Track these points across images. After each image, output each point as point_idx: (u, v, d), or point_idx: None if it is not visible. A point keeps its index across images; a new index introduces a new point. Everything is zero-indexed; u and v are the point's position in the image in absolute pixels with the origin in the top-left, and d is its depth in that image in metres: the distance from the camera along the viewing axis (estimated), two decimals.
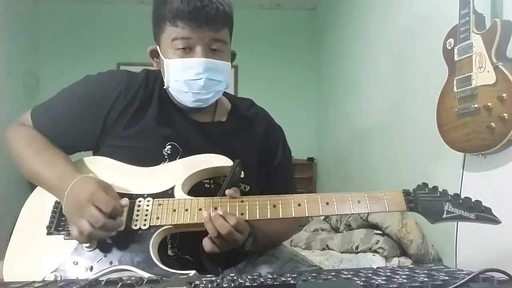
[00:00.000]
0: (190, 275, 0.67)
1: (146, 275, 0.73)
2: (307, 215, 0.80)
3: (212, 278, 0.58)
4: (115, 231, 0.78)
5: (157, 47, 0.94)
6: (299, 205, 0.80)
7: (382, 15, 2.55)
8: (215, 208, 0.80)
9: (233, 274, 0.62)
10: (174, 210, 0.81)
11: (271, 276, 0.59)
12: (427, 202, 0.79)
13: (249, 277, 0.59)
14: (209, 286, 0.53)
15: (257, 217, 0.80)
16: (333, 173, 3.67)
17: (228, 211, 0.80)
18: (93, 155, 0.98)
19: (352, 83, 3.11)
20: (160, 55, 0.93)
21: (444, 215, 0.77)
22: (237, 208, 0.80)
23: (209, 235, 0.79)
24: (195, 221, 0.80)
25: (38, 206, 0.88)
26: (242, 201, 0.81)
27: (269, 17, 4.28)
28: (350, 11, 3.16)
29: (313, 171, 4.10)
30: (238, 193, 0.83)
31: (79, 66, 3.29)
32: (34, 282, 0.61)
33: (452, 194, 0.79)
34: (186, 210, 0.81)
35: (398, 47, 2.31)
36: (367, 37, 2.79)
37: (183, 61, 0.89)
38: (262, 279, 0.57)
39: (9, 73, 3.45)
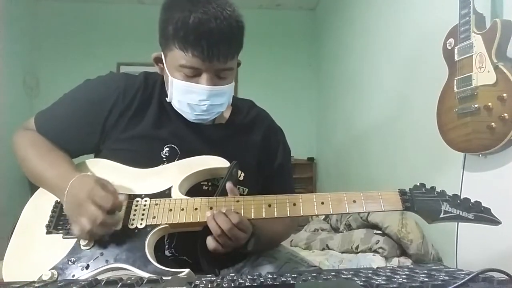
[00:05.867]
0: (184, 273, 0.67)
1: (140, 273, 0.74)
2: (302, 214, 0.80)
3: (212, 278, 0.58)
4: (115, 227, 0.79)
5: (162, 55, 0.92)
6: (294, 204, 0.80)
7: (382, 15, 2.55)
8: (211, 208, 0.81)
9: (233, 274, 0.62)
10: (171, 210, 0.82)
11: (271, 276, 0.59)
12: (423, 201, 0.78)
13: (249, 277, 0.58)
14: (209, 286, 0.53)
15: (252, 217, 0.80)
16: (333, 173, 3.67)
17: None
18: (95, 158, 0.99)
19: (352, 83, 3.11)
20: (165, 68, 0.92)
21: (442, 215, 0.76)
22: (232, 208, 0.81)
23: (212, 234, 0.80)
24: (191, 220, 0.81)
25: (40, 206, 0.90)
26: (237, 201, 0.82)
27: (269, 17, 4.28)
28: (350, 11, 3.16)
29: (313, 171, 4.10)
30: (237, 191, 0.84)
31: (79, 66, 3.30)
32: (34, 282, 0.62)
33: (451, 195, 0.78)
34: (182, 209, 0.82)
35: (398, 47, 2.31)
36: (367, 37, 2.79)
37: (188, 84, 0.88)
38: (262, 279, 0.57)
39: (9, 73, 3.45)
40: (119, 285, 0.54)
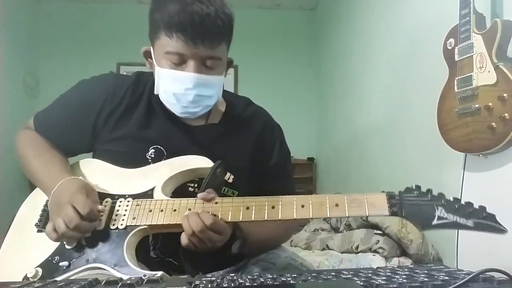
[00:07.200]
0: (157, 276, 0.65)
1: (117, 274, 0.74)
2: (280, 218, 0.76)
3: (212, 278, 0.58)
4: (89, 233, 0.79)
5: (151, 48, 0.92)
6: (273, 207, 0.76)
7: (382, 15, 2.55)
8: (189, 209, 0.79)
9: (233, 274, 0.62)
10: (150, 211, 0.81)
11: (271, 276, 0.59)
12: (413, 206, 0.70)
13: (249, 277, 0.58)
14: (209, 286, 0.53)
15: (229, 219, 0.78)
16: (333, 173, 3.67)
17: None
18: (92, 157, 1.00)
19: (352, 83, 3.11)
20: (153, 59, 0.91)
21: (435, 221, 0.68)
22: (210, 210, 0.79)
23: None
24: (169, 222, 0.79)
25: (34, 205, 0.91)
26: (216, 203, 0.80)
27: (269, 17, 4.28)
28: (350, 11, 3.16)
29: (313, 171, 4.09)
30: (214, 194, 0.81)
31: (79, 66, 3.29)
32: (34, 282, 0.62)
33: (450, 199, 0.70)
34: (162, 211, 0.81)
35: (398, 47, 2.31)
36: (367, 37, 2.79)
37: (173, 73, 0.86)
38: (262, 279, 0.57)
39: (9, 73, 3.45)
40: (119, 285, 0.55)
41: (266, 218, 0.76)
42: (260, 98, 1.12)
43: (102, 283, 0.57)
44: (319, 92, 4.13)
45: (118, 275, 0.73)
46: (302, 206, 0.76)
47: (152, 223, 0.80)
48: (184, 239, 0.78)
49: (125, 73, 1.11)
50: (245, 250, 0.86)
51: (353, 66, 3.09)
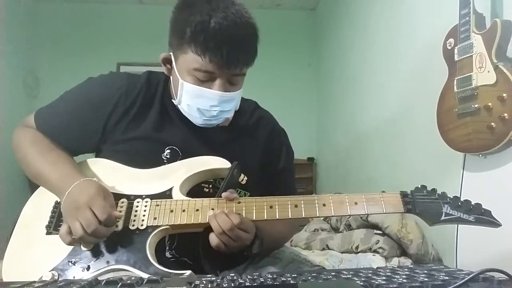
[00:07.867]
0: (186, 275, 0.66)
1: (142, 274, 0.74)
2: (304, 216, 0.80)
3: (212, 278, 0.58)
4: (105, 238, 0.79)
5: (171, 56, 0.91)
6: (296, 206, 0.81)
7: (382, 15, 2.55)
8: (212, 209, 0.81)
9: (233, 274, 0.62)
10: (172, 211, 0.82)
11: (271, 276, 0.59)
12: (425, 204, 0.79)
13: (249, 277, 0.58)
14: (209, 286, 0.53)
15: (254, 218, 0.81)
16: (333, 173, 3.67)
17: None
18: (96, 157, 0.98)
19: (352, 83, 3.11)
20: (175, 69, 0.90)
21: (443, 217, 0.77)
22: (234, 210, 0.81)
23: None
24: (192, 222, 0.80)
25: (39, 206, 0.89)
26: (239, 202, 0.82)
27: (269, 17, 4.27)
28: (350, 11, 3.16)
29: (313, 171, 4.09)
30: (236, 194, 0.83)
31: (79, 66, 3.29)
32: (34, 282, 0.61)
33: (451, 197, 0.79)
34: (183, 210, 0.82)
35: (398, 47, 2.31)
36: (367, 37, 2.79)
37: (199, 89, 0.87)
38: (262, 279, 0.57)
39: (9, 73, 3.45)
40: (119, 285, 0.55)
41: (290, 216, 0.80)
42: (260, 98, 1.12)
43: (102, 283, 0.57)
44: (319, 92, 4.13)
45: (144, 275, 0.72)
46: (324, 204, 0.80)
47: (174, 223, 0.81)
48: (214, 239, 0.79)
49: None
50: (262, 250, 0.87)
51: (353, 66, 3.09)
